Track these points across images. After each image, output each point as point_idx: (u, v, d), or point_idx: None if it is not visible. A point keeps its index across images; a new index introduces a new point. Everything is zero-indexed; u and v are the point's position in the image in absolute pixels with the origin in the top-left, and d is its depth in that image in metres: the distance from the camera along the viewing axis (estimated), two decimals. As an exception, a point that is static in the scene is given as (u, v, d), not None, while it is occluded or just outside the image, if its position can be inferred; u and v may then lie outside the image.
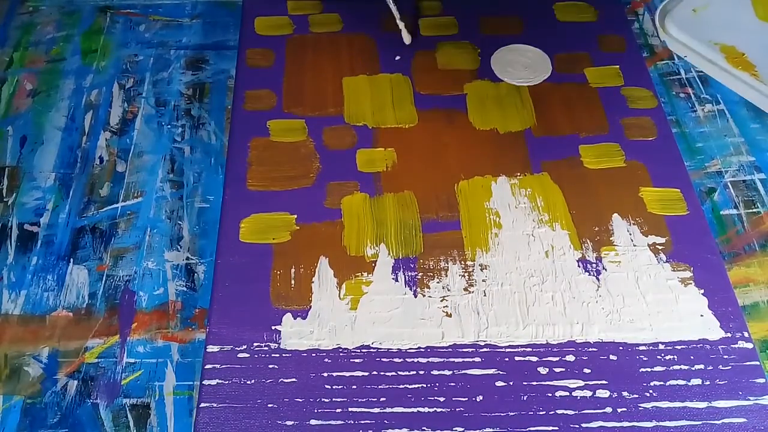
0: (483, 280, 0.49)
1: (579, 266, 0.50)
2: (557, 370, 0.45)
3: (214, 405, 0.43)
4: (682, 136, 0.61)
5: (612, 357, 0.46)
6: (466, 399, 0.44)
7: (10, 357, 0.48)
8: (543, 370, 0.45)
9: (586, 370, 0.45)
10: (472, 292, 0.49)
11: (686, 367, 0.46)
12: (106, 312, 0.50)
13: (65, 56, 0.67)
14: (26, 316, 0.50)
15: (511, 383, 0.45)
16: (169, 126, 0.61)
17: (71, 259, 0.52)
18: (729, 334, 0.47)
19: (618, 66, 0.63)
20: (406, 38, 0.63)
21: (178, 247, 0.53)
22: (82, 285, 0.51)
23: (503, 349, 0.46)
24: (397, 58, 0.62)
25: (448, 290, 0.49)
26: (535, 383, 0.45)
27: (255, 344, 0.46)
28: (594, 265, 0.50)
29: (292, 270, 0.49)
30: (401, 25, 0.63)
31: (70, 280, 0.51)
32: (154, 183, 0.57)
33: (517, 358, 0.46)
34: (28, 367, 0.47)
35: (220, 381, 0.44)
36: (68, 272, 0.52)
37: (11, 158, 0.58)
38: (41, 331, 0.49)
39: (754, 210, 0.57)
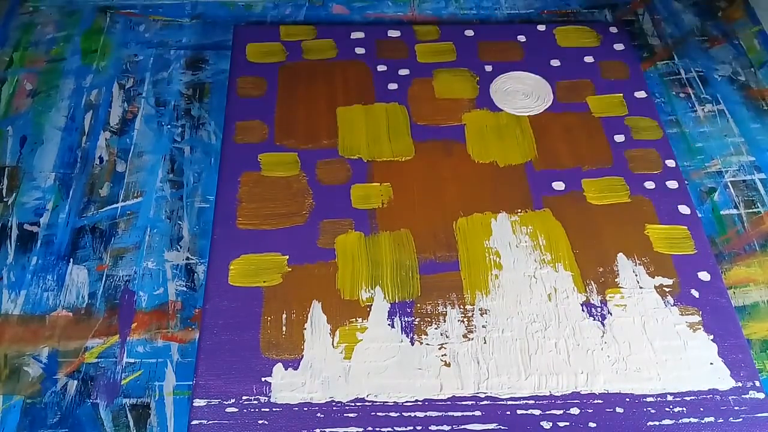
0: (483, 326, 0.47)
1: (583, 310, 0.48)
2: (561, 424, 0.43)
3: (201, 464, 0.41)
4: (682, 136, 0.60)
5: (618, 409, 0.44)
6: (466, 456, 0.42)
7: (10, 357, 0.47)
8: (546, 425, 0.43)
9: (592, 424, 0.43)
10: (472, 339, 0.46)
11: (696, 420, 0.44)
12: (106, 312, 0.49)
13: (65, 56, 0.66)
14: (26, 316, 0.49)
15: (513, 439, 0.42)
16: (168, 126, 0.60)
17: (71, 259, 0.52)
18: (740, 384, 0.45)
19: (621, 94, 0.61)
20: None
21: (178, 247, 0.53)
22: (81, 285, 0.50)
23: (504, 402, 0.44)
24: None
25: (447, 337, 0.47)
26: (538, 439, 0.43)
27: (244, 397, 0.44)
28: (599, 309, 0.48)
29: (284, 316, 0.47)
30: None
31: (70, 280, 0.51)
32: (153, 183, 0.56)
33: (519, 412, 0.44)
34: (28, 367, 0.47)
35: (207, 438, 0.42)
36: (68, 272, 0.51)
37: (11, 158, 0.58)
38: (41, 331, 0.48)
39: (754, 210, 0.55)
